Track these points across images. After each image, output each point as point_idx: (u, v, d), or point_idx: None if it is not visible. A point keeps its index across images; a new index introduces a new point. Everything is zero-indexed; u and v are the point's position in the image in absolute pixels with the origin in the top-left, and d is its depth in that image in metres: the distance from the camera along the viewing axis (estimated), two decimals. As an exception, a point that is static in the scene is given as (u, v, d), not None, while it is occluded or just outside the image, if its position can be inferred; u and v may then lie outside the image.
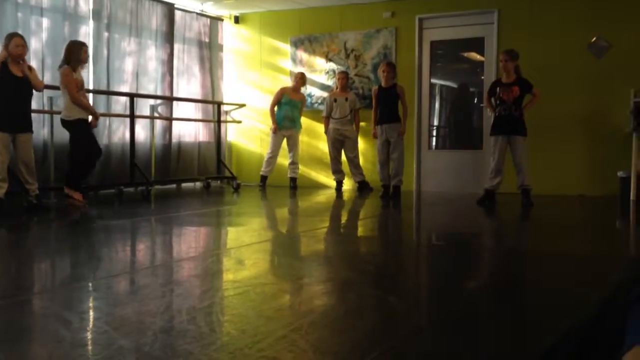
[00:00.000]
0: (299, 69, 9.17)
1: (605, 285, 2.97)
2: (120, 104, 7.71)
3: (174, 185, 8.70)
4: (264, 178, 8.57)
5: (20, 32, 6.07)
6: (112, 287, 3.08)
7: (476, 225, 5.86)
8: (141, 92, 8.03)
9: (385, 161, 7.59)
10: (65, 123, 6.30)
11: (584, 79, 7.58)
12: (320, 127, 8.65)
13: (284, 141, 8.60)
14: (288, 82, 9.02)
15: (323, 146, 8.73)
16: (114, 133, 7.63)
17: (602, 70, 7.48)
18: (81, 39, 7.16)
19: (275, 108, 8.56)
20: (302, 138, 9.13)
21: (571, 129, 7.66)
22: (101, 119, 7.44)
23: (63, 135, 6.68)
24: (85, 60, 6.39)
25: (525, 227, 5.79)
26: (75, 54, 6.21)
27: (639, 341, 0.82)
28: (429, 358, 2.01)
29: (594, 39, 7.53)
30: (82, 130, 6.31)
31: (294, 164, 8.60)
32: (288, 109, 8.49)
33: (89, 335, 2.27)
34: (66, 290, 3.04)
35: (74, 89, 6.17)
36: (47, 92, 6.63)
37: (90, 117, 6.43)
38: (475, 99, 8.58)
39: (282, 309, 2.65)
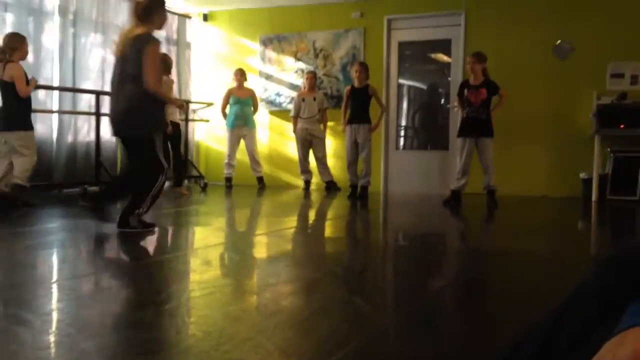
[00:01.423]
0: (267, 68, 9.15)
1: (565, 286, 3.03)
2: (85, 101, 7.60)
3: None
4: (228, 179, 8.52)
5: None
6: (76, 289, 3.04)
7: (442, 226, 5.92)
8: (107, 89, 7.91)
9: (353, 161, 7.62)
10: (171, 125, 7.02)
11: (550, 81, 7.71)
12: (288, 127, 8.64)
13: (242, 141, 8.55)
14: (256, 82, 8.98)
15: (291, 145, 8.72)
16: (79, 131, 7.52)
17: (567, 73, 7.62)
18: (46, 35, 7.04)
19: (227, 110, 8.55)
20: (271, 137, 9.11)
21: (536, 130, 7.79)
22: (66, 116, 7.37)
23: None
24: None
25: (490, 228, 5.87)
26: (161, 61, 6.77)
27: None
28: (393, 358, 2.02)
29: (558, 42, 7.66)
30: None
31: (255, 163, 8.54)
32: (237, 108, 8.44)
33: (51, 338, 2.24)
34: (27, 292, 2.99)
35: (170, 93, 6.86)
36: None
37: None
38: (442, 100, 8.66)
39: (249, 310, 2.64)
